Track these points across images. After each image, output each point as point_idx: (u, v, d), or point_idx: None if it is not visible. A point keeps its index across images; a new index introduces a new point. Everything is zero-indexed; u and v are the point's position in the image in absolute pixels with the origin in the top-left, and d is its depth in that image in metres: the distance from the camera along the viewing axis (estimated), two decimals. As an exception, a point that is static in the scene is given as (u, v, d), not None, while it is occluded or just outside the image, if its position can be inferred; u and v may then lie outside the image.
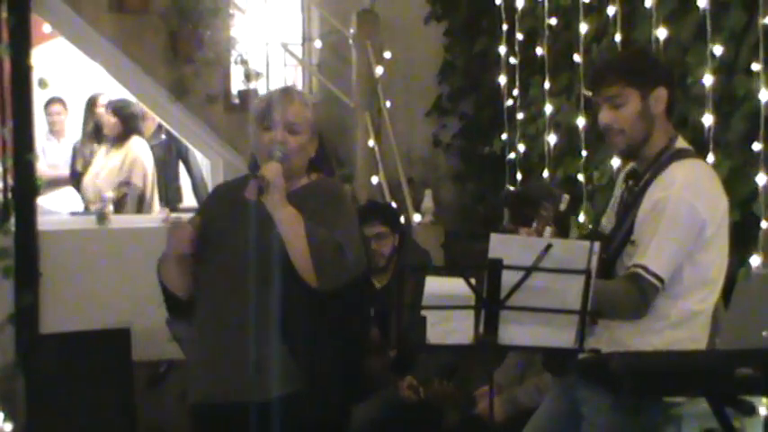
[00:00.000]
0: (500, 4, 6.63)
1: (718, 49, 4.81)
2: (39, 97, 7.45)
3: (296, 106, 3.53)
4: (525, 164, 6.49)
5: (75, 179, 7.58)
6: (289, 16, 8.38)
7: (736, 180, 4.71)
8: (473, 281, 3.15)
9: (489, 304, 3.15)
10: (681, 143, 3.46)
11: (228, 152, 7.26)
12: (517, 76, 6.45)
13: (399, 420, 4.95)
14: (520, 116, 6.51)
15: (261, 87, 7.66)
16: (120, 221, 6.63)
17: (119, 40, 6.88)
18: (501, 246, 3.15)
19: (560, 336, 3.17)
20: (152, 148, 7.57)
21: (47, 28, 7.71)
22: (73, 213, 7.23)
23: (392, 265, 5.28)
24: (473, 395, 4.63)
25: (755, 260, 4.53)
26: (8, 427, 5.57)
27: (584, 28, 5.68)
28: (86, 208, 7.28)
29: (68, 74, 8.28)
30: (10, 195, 6.05)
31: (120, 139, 7.39)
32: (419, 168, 8.03)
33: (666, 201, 3.29)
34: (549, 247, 3.12)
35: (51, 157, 7.95)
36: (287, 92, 3.63)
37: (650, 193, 3.35)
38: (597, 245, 3.15)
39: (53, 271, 6.16)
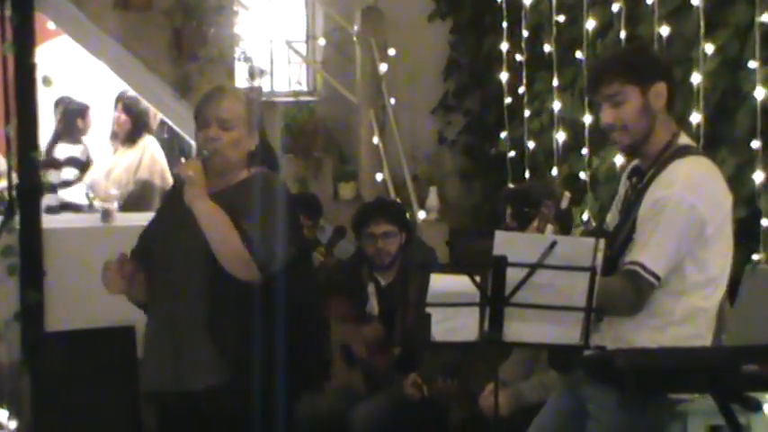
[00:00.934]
0: (501, 2, 6.62)
1: (709, 48, 4.84)
2: (49, 96, 7.50)
3: (227, 102, 3.61)
4: (531, 161, 6.48)
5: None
6: (293, 13, 8.39)
7: (741, 177, 4.70)
8: (478, 278, 3.15)
9: (494, 301, 3.15)
10: (684, 139, 3.46)
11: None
12: (524, 73, 6.44)
13: (403, 418, 4.95)
14: (527, 113, 6.50)
15: (265, 85, 7.67)
16: (124, 219, 6.63)
17: (122, 38, 6.87)
18: (506, 243, 3.15)
19: (565, 333, 3.17)
20: (155, 145, 7.59)
21: (51, 25, 7.70)
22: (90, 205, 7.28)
23: (397, 262, 5.28)
24: (479, 393, 4.63)
25: (758, 257, 4.53)
26: (13, 424, 5.58)
27: (589, 24, 5.68)
28: (91, 205, 7.29)
29: (71, 72, 8.27)
30: (15, 194, 6.05)
31: (130, 136, 7.39)
32: (424, 165, 8.02)
33: (667, 199, 3.29)
34: (553, 244, 3.12)
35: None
36: (219, 89, 3.71)
37: (652, 190, 3.35)
38: (602, 242, 3.15)
39: (58, 269, 6.16)
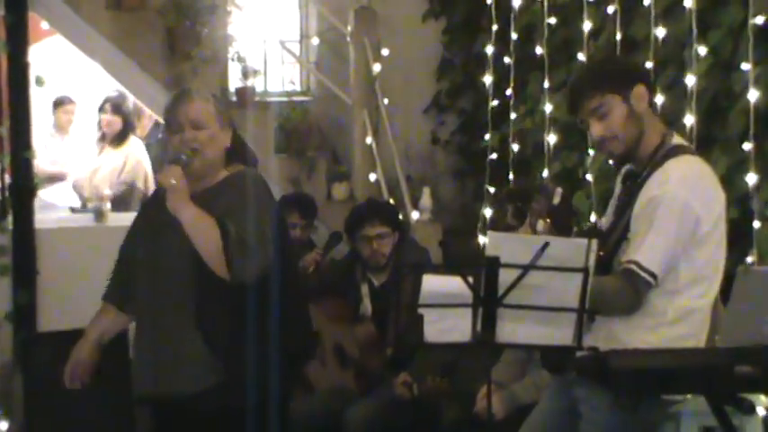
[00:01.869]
0: (490, 4, 6.62)
1: (702, 49, 4.85)
2: (47, 96, 7.48)
3: (196, 103, 3.62)
4: (518, 162, 6.47)
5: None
6: (286, 13, 8.38)
7: (733, 178, 4.71)
8: (471, 279, 3.15)
9: (487, 302, 3.15)
10: (676, 140, 3.46)
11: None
12: (512, 75, 6.43)
13: (396, 418, 4.95)
14: (513, 115, 6.49)
15: (258, 85, 7.66)
16: (117, 219, 6.61)
17: (116, 38, 6.87)
18: (499, 244, 3.15)
19: (558, 334, 3.17)
20: (148, 146, 7.57)
21: (44, 25, 7.69)
22: (73, 209, 7.23)
23: (391, 263, 5.27)
24: (473, 394, 4.62)
25: (751, 258, 4.53)
26: (5, 425, 5.56)
27: (584, 26, 5.68)
28: (84, 205, 7.27)
29: (65, 71, 8.27)
30: (7, 193, 6.03)
31: (118, 137, 7.39)
32: (417, 165, 8.02)
33: (661, 197, 3.29)
34: (546, 245, 3.12)
35: (54, 153, 7.93)
36: (184, 92, 3.72)
37: (645, 190, 3.35)
38: (595, 242, 3.15)
39: (51, 269, 6.13)
